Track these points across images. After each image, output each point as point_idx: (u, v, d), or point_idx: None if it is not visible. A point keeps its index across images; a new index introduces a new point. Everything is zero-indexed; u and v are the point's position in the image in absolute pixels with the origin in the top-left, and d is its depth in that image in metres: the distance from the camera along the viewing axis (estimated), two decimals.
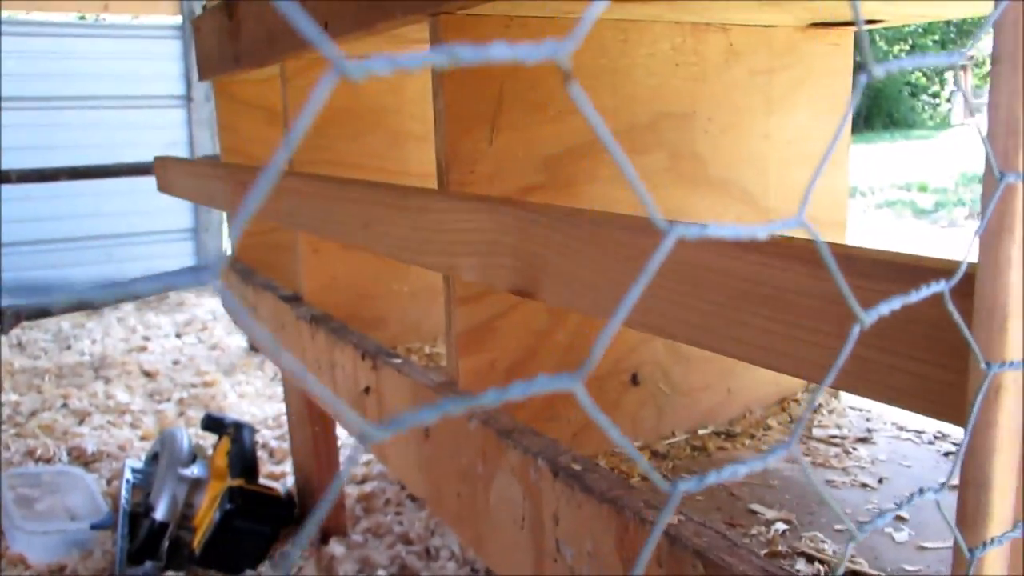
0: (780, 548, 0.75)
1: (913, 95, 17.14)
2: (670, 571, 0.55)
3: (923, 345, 0.33)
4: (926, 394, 0.38)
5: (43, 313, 3.58)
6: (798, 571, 0.72)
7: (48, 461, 2.23)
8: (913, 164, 9.89)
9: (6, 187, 4.01)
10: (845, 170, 1.14)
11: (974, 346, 0.27)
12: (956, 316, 0.31)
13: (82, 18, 5.40)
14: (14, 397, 2.83)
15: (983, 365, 0.27)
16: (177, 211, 5.02)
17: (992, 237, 0.27)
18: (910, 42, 16.96)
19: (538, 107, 0.92)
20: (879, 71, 0.23)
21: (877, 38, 15.84)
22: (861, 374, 0.38)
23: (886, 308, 0.24)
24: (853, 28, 1.11)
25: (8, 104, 4.51)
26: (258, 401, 2.75)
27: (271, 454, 2.25)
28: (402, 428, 0.16)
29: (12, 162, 4.20)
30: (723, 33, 1.02)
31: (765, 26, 1.05)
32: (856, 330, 0.22)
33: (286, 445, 2.24)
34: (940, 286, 0.29)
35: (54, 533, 1.76)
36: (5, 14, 4.91)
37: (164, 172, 2.03)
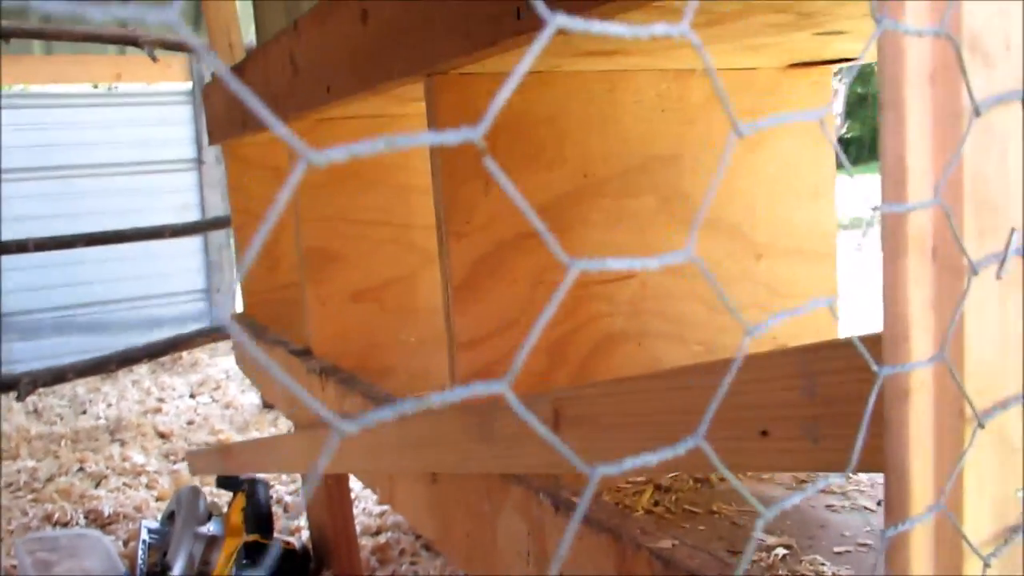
0: (780, 572, 0.76)
1: None
2: None
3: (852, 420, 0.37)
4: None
5: (59, 379, 3.62)
6: None
7: (66, 525, 2.25)
8: None
9: (25, 256, 4.09)
10: (831, 202, 1.18)
11: (865, 353, 0.30)
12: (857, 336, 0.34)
13: (95, 87, 5.55)
14: (31, 463, 2.85)
15: (877, 369, 0.30)
16: (190, 272, 5.10)
17: (889, 258, 0.30)
18: None
19: (530, 158, 0.96)
20: (746, 130, 0.26)
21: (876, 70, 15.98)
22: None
23: (774, 320, 0.27)
24: (832, 66, 1.16)
25: (26, 175, 4.62)
26: None
27: (285, 509, 2.27)
28: (370, 423, 0.18)
29: (30, 231, 4.29)
30: (706, 78, 1.07)
31: (747, 69, 1.10)
32: (746, 341, 0.25)
33: (300, 499, 2.25)
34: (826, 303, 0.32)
35: None
36: (20, 87, 5.06)
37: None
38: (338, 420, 0.18)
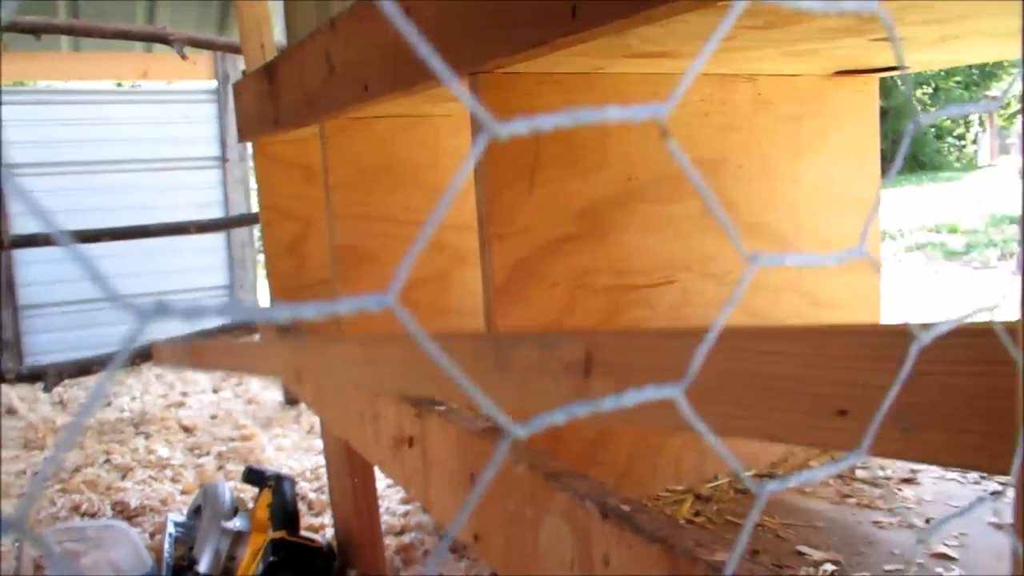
0: None
1: (938, 137, 17.09)
2: None
3: (967, 412, 0.36)
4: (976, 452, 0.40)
5: (84, 371, 3.65)
6: None
7: (93, 516, 2.26)
8: (942, 206, 9.84)
9: (50, 250, 4.13)
10: (876, 211, 1.16)
11: (1021, 362, 0.29)
12: (1006, 339, 0.33)
13: (119, 85, 5.59)
14: None
15: None
16: (213, 269, 5.13)
17: None
18: (933, 85, 16.97)
19: (572, 161, 0.96)
20: (925, 119, 0.26)
21: (900, 83, 15.86)
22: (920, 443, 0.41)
23: (944, 327, 0.26)
24: (877, 75, 1.14)
25: (51, 169, 4.67)
26: (295, 454, 2.77)
27: (310, 506, 2.27)
28: (541, 427, 0.18)
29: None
30: (750, 83, 1.06)
31: (791, 75, 1.09)
32: (914, 349, 0.24)
33: (324, 497, 2.26)
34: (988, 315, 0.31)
35: None
36: (44, 83, 5.11)
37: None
38: (511, 424, 0.17)
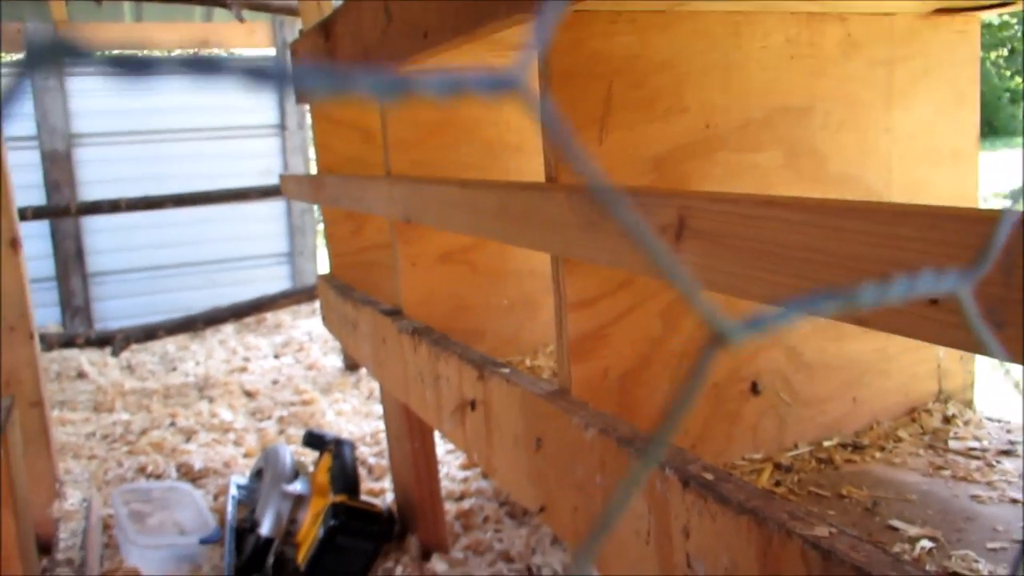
0: (929, 568, 0.69)
1: (1014, 102, 16.31)
2: None
3: None
4: None
5: (150, 336, 3.72)
6: None
7: (158, 477, 2.29)
8: (1017, 173, 9.40)
9: (116, 218, 4.20)
10: (975, 165, 1.07)
11: None
12: None
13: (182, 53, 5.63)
14: (125, 416, 2.93)
15: None
16: (274, 236, 5.17)
17: None
18: (1009, 47, 16.20)
19: (647, 106, 0.89)
20: None
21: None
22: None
23: None
24: (980, 14, 1.05)
25: (117, 139, 4.74)
26: (355, 419, 2.78)
27: (370, 471, 2.26)
28: (763, 329, 0.13)
29: (121, 192, 4.40)
30: (840, 23, 0.97)
31: (885, 14, 1.00)
32: None
33: (384, 462, 2.25)
34: None
35: (165, 547, 1.80)
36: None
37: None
38: (726, 323, 0.13)
